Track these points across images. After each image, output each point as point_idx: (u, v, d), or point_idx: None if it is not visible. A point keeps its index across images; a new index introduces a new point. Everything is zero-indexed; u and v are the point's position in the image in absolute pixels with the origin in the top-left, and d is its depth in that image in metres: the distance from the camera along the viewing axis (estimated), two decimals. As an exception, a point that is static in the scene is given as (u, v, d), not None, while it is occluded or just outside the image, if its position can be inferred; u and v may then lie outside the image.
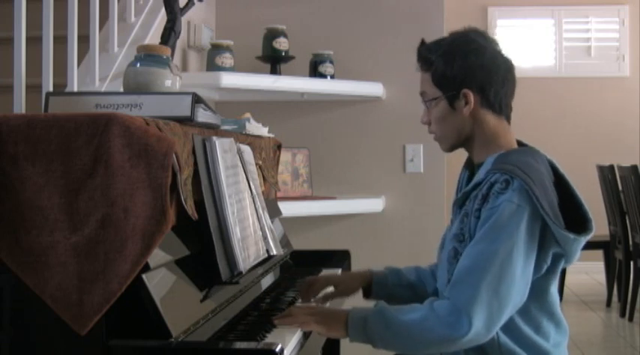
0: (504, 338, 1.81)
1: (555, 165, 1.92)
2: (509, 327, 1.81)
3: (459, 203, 1.89)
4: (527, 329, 1.83)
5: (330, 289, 2.12)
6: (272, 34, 3.45)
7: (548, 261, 1.81)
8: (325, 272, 2.44)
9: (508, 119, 1.93)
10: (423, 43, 1.96)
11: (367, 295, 2.14)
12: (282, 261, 2.37)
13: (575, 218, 1.82)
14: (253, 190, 1.97)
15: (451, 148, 1.96)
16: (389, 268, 2.16)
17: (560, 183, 1.88)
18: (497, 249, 1.73)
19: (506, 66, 1.90)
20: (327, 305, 2.07)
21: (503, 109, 1.90)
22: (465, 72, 1.86)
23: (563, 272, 6.15)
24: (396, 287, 2.11)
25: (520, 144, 1.96)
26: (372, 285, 2.12)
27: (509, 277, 1.72)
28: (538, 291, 1.82)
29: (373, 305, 1.83)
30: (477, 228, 1.79)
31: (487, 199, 1.78)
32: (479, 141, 1.91)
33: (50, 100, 1.76)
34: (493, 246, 1.73)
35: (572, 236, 1.75)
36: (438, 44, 1.92)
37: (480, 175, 1.85)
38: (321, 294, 2.09)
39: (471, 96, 1.87)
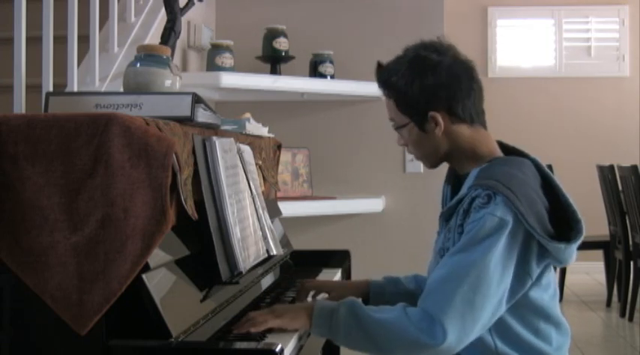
0: (502, 346, 1.78)
1: (542, 167, 1.87)
2: (507, 333, 1.78)
3: (445, 217, 1.86)
4: (525, 333, 1.79)
5: (324, 296, 2.08)
6: (272, 34, 3.46)
7: (534, 276, 1.76)
8: (325, 272, 2.44)
9: (483, 125, 1.89)
10: (379, 66, 1.92)
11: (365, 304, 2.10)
12: (282, 261, 2.37)
13: (566, 219, 1.79)
14: (253, 190, 1.97)
15: (434, 166, 1.93)
16: (387, 278, 2.11)
17: (548, 185, 1.84)
18: (476, 260, 1.69)
19: (467, 73, 1.86)
20: None
21: (475, 118, 1.86)
22: (427, 94, 1.82)
23: (563, 272, 6.15)
24: (393, 296, 2.04)
25: (502, 146, 1.93)
26: (369, 295, 2.07)
27: (485, 289, 1.68)
28: (525, 301, 1.78)
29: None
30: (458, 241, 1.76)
31: (469, 214, 1.75)
32: (459, 155, 1.88)
33: (50, 100, 1.76)
34: (471, 256, 1.69)
35: (562, 245, 1.72)
36: (393, 67, 1.88)
37: (463, 190, 1.82)
38: (319, 296, 2.08)
39: (439, 117, 1.83)
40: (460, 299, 1.67)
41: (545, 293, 1.80)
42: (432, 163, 1.92)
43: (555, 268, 1.81)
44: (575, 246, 1.75)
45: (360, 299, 1.81)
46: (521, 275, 1.74)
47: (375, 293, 2.07)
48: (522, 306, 1.78)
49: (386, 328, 1.70)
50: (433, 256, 1.92)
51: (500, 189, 1.72)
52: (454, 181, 1.96)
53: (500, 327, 1.77)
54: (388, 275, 2.14)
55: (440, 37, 1.90)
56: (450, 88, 1.82)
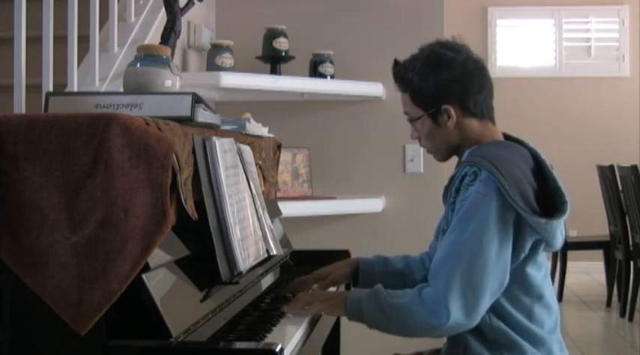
0: (497, 323, 1.85)
1: (538, 155, 1.96)
2: (502, 314, 1.86)
3: (443, 199, 1.96)
4: (519, 317, 1.87)
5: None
6: (272, 34, 3.45)
7: (526, 250, 1.84)
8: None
9: (492, 120, 1.99)
10: (396, 63, 2.02)
11: (355, 283, 2.18)
12: (282, 261, 2.37)
13: (554, 202, 1.87)
14: (253, 190, 1.97)
15: (445, 158, 2.04)
16: (377, 256, 2.21)
17: (541, 172, 1.92)
18: (467, 239, 1.79)
19: (479, 71, 1.96)
20: None
21: (485, 113, 1.97)
22: (441, 88, 1.93)
23: (563, 272, 6.14)
24: (382, 275, 2.15)
25: (506, 136, 2.01)
26: (358, 273, 2.17)
27: (481, 265, 1.77)
28: (517, 275, 1.86)
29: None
30: (452, 220, 1.86)
31: (459, 192, 1.85)
32: (467, 147, 1.97)
33: (50, 100, 1.76)
34: (463, 236, 1.79)
35: (543, 220, 1.79)
36: (410, 64, 1.98)
37: (455, 169, 1.93)
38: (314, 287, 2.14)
39: (452, 111, 1.93)
40: (458, 278, 1.77)
41: (538, 272, 1.89)
42: (442, 155, 2.02)
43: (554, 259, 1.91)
44: (555, 223, 1.82)
45: (381, 285, 1.89)
46: (515, 248, 1.82)
47: (365, 271, 2.18)
48: (517, 287, 1.86)
49: (402, 313, 1.81)
50: (434, 234, 2.07)
51: (485, 165, 1.81)
52: None
53: (495, 307, 1.84)
54: (377, 254, 2.23)
55: (455, 37, 1.99)
56: (463, 83, 1.93)
